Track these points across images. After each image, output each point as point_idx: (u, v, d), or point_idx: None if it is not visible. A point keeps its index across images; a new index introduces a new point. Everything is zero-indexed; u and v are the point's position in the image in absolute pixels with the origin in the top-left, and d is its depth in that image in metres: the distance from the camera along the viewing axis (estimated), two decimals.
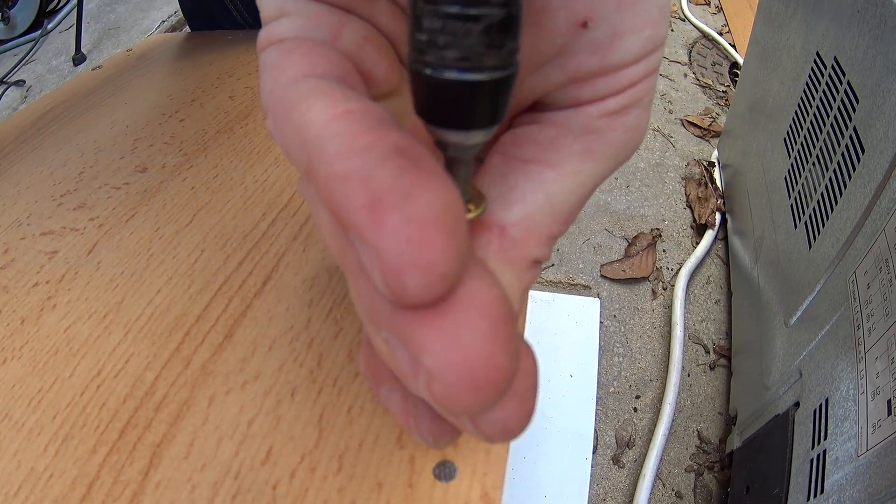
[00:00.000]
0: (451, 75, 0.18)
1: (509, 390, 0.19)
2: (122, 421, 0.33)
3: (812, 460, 0.64)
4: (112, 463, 0.31)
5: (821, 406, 0.64)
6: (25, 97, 1.71)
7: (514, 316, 0.19)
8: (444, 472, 0.29)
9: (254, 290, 0.40)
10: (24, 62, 1.84)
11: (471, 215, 0.23)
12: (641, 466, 0.87)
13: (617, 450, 0.91)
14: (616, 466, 0.89)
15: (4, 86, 1.72)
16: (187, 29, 0.85)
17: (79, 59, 1.83)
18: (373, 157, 0.17)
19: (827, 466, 0.60)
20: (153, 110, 0.60)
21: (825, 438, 0.62)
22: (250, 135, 0.56)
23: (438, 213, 0.16)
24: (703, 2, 2.09)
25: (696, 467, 0.89)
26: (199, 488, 0.29)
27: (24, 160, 0.55)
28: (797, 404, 0.70)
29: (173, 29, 2.00)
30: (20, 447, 0.32)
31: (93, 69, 0.72)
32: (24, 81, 1.76)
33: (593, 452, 0.89)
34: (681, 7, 2.04)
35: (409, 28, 0.18)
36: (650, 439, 0.91)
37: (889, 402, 0.53)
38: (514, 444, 0.85)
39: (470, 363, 0.16)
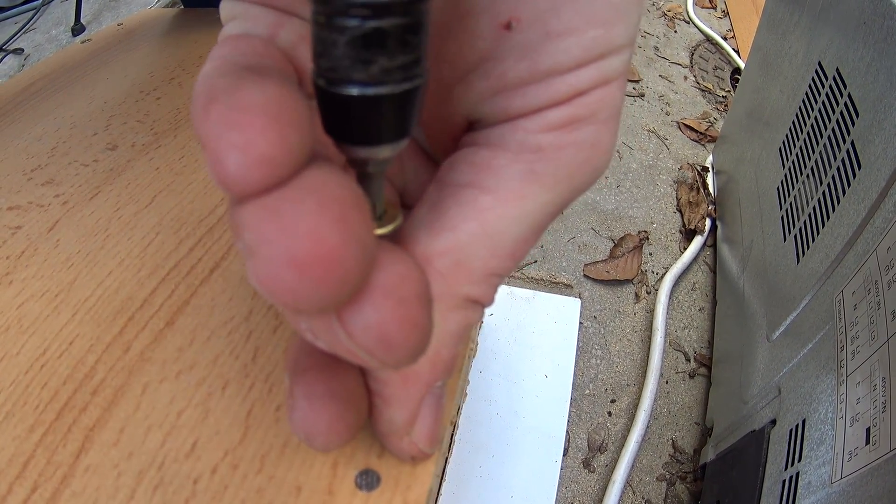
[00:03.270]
0: (350, 90, 0.18)
1: (377, 288, 0.18)
2: (60, 402, 0.32)
3: (784, 481, 0.63)
4: (47, 443, 0.31)
5: (797, 426, 0.63)
6: (23, 65, 1.70)
7: (361, 209, 0.17)
8: (367, 480, 0.28)
9: (201, 276, 0.39)
10: (24, 30, 1.83)
11: (380, 231, 0.22)
12: (612, 472, 0.87)
13: (588, 453, 0.90)
14: (586, 470, 0.88)
15: (3, 53, 1.72)
16: (181, 5, 0.84)
17: (78, 29, 1.83)
18: (225, 76, 0.17)
19: (799, 490, 0.59)
20: (132, 87, 0.60)
21: (799, 461, 0.61)
22: None
23: (261, 100, 0.16)
24: (709, 5, 2.07)
25: (668, 476, 0.89)
26: (124, 476, 0.29)
27: (2, 133, 0.54)
28: (774, 422, 0.69)
29: (173, 4, 2.00)
30: None
31: (82, 42, 0.72)
32: (22, 50, 1.75)
33: (564, 455, 0.88)
34: (686, 9, 2.02)
35: (311, 42, 0.18)
36: (623, 445, 0.90)
37: (868, 430, 0.51)
38: (483, 442, 0.85)
39: (294, 242, 0.16)
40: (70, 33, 1.83)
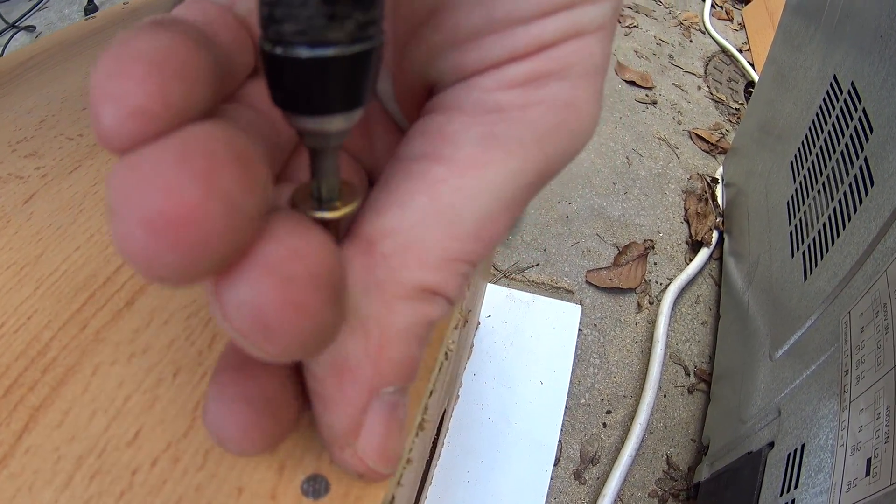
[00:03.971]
0: (296, 52, 0.16)
1: (258, 262, 0.16)
2: (10, 379, 0.31)
3: None
4: None
5: (796, 451, 0.61)
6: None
7: (242, 167, 0.15)
8: (314, 487, 0.27)
9: None
10: (37, 8, 1.83)
11: (335, 214, 0.21)
12: (603, 485, 0.85)
13: (580, 464, 0.88)
14: (577, 482, 0.86)
15: (15, 30, 1.72)
16: None
17: (90, 9, 1.82)
18: (133, 29, 0.16)
19: None
20: None
21: (795, 487, 0.59)
22: None
23: (147, 49, 0.15)
24: (726, 17, 2.07)
25: (660, 493, 0.87)
26: (63, 460, 0.28)
27: None
28: (772, 444, 0.67)
29: None
30: None
31: (86, 19, 0.71)
32: (34, 27, 1.75)
33: (555, 465, 0.87)
34: (702, 19, 2.02)
35: (257, 3, 0.17)
36: (616, 458, 0.88)
37: (869, 460, 0.50)
38: (473, 447, 0.84)
39: (148, 198, 0.14)
40: (83, 13, 1.83)
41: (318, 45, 0.16)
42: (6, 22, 1.73)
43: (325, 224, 0.22)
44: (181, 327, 0.33)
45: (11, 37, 1.69)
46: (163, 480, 0.27)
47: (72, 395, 0.30)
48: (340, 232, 0.23)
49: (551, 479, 0.85)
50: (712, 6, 2.13)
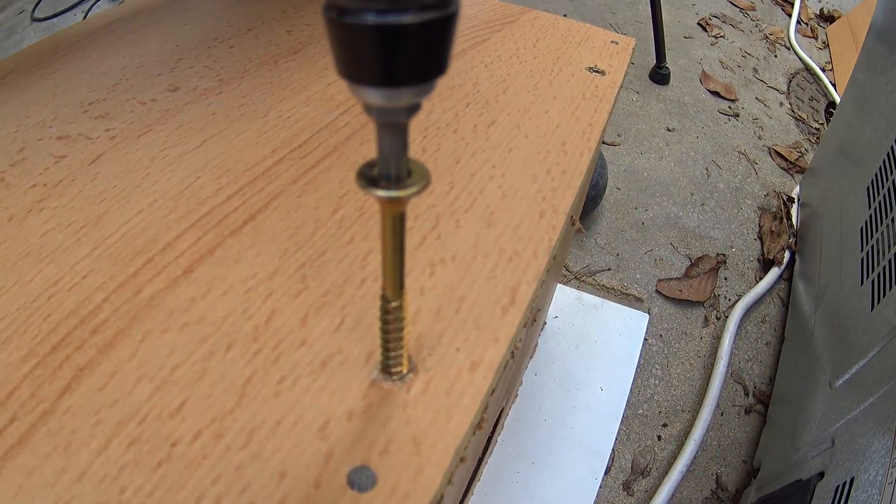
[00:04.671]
0: (363, 18, 0.16)
1: None
2: (58, 336, 0.30)
3: None
4: (36, 376, 0.29)
5: (845, 484, 0.58)
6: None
7: None
8: (360, 479, 0.25)
9: (232, 227, 0.37)
10: None
11: (404, 192, 0.20)
12: (651, 499, 0.82)
13: (630, 476, 0.86)
14: (625, 493, 0.84)
15: None
16: None
17: None
18: None
19: None
20: (207, 34, 0.58)
21: None
22: (292, 70, 0.53)
23: None
24: (811, 34, 2.01)
25: None
26: (102, 424, 0.27)
27: (71, 66, 0.53)
28: (822, 474, 0.64)
29: None
30: None
31: None
32: None
33: (605, 473, 0.84)
34: (788, 35, 1.97)
35: None
36: (666, 473, 0.85)
37: None
38: (526, 448, 0.82)
39: None
40: None
41: (388, 11, 0.15)
42: None
43: (393, 202, 0.21)
44: (239, 300, 0.32)
45: (94, 3, 1.72)
46: (203, 456, 0.25)
47: (118, 359, 0.29)
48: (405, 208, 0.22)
49: (600, 487, 0.82)
50: (798, 22, 2.07)
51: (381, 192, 0.20)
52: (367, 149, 0.44)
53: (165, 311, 0.31)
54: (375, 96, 0.17)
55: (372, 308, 0.32)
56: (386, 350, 0.28)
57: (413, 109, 0.18)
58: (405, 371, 0.29)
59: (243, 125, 0.46)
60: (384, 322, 0.26)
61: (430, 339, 0.31)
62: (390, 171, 0.20)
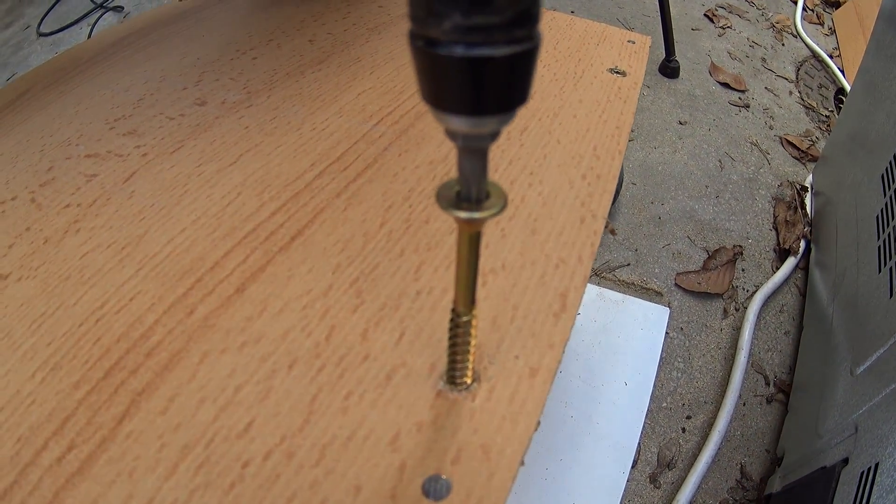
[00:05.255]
0: (452, 50, 0.16)
1: None
2: (111, 360, 0.30)
3: None
4: (91, 402, 0.28)
5: (869, 469, 0.58)
6: (122, 22, 1.74)
7: None
8: (436, 488, 0.25)
9: (280, 243, 0.36)
10: None
11: (484, 214, 0.21)
12: (677, 491, 0.82)
13: (657, 468, 0.86)
14: (652, 486, 0.84)
15: (103, 10, 1.74)
16: None
17: None
18: None
19: None
20: (228, 45, 0.58)
21: None
22: (320, 80, 0.52)
23: None
24: (817, 21, 2.00)
25: (731, 502, 0.84)
26: (167, 448, 0.27)
27: (91, 81, 0.53)
28: (846, 461, 0.64)
29: None
30: (12, 367, 0.30)
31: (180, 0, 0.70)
32: (122, 7, 1.78)
33: (632, 467, 0.84)
34: (794, 22, 1.96)
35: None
36: (692, 464, 0.85)
37: None
38: (553, 445, 0.82)
39: None
40: None
41: (478, 45, 0.16)
42: (94, 2, 1.76)
43: (471, 223, 0.22)
44: (297, 317, 0.32)
45: (100, 17, 1.71)
46: (276, 475, 0.25)
47: (177, 382, 0.29)
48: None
49: (627, 481, 0.82)
50: (804, 9, 2.07)
51: (463, 214, 0.21)
52: (406, 159, 0.44)
53: (222, 332, 0.31)
54: (461, 124, 0.18)
55: (430, 320, 0.32)
56: (453, 362, 0.28)
57: (495, 136, 0.19)
58: (470, 381, 0.29)
59: (278, 138, 0.45)
60: (453, 335, 0.26)
61: (490, 347, 0.31)
62: (471, 194, 0.21)
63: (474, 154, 0.19)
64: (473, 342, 0.27)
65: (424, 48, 0.16)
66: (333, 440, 0.26)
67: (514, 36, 0.16)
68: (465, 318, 0.26)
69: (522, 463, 0.29)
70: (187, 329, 0.31)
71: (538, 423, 0.29)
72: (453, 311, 0.26)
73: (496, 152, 0.45)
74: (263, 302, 0.33)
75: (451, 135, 0.19)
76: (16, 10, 1.75)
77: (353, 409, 0.28)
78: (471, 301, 0.25)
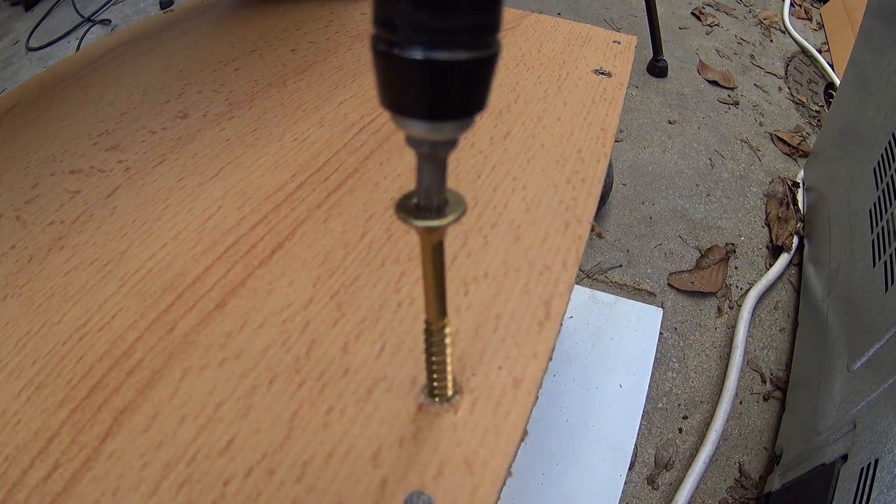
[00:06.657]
0: (412, 53, 0.16)
1: None
2: (93, 379, 0.30)
3: None
4: (75, 421, 0.28)
5: (869, 465, 0.58)
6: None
7: None
8: None
9: (261, 257, 0.36)
10: (112, 2, 1.86)
11: (443, 221, 0.21)
12: (676, 492, 0.82)
13: (654, 470, 0.85)
14: (650, 487, 0.83)
15: (90, 23, 1.74)
16: None
17: (166, 3, 1.84)
18: None
19: None
20: (211, 57, 0.58)
21: (867, 503, 0.56)
22: (301, 90, 0.52)
23: None
24: (805, 16, 2.01)
25: (730, 502, 0.84)
26: (149, 467, 0.26)
27: (75, 96, 0.53)
28: (845, 457, 0.64)
29: None
30: None
31: (164, 11, 0.70)
32: (109, 21, 1.78)
33: (629, 469, 0.84)
34: (782, 17, 1.97)
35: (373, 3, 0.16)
36: (690, 464, 0.85)
37: None
38: (549, 449, 0.81)
39: None
40: (158, 6, 1.85)
41: (439, 48, 0.16)
42: (82, 16, 1.76)
43: (431, 231, 0.22)
44: (277, 332, 0.32)
45: (87, 30, 1.72)
46: (257, 493, 0.25)
47: (159, 400, 0.29)
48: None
49: (624, 483, 0.82)
50: (791, 5, 2.08)
51: (421, 223, 0.21)
52: (388, 168, 0.44)
53: (202, 348, 0.31)
54: (420, 129, 0.18)
55: (411, 332, 0.32)
56: (431, 374, 0.27)
57: (452, 144, 0.19)
58: (451, 393, 0.28)
59: (259, 150, 0.45)
60: (428, 346, 0.26)
61: (472, 358, 0.31)
62: (431, 203, 0.21)
63: (434, 162, 0.19)
64: (450, 352, 0.27)
65: (385, 51, 0.16)
66: (314, 456, 0.26)
67: (474, 41, 0.16)
68: (437, 328, 0.26)
69: (510, 474, 0.29)
70: (168, 346, 0.31)
71: (525, 433, 0.29)
72: (426, 321, 0.26)
73: (479, 158, 0.45)
74: (244, 317, 0.33)
75: (412, 142, 0.19)
76: (4, 25, 1.75)
77: (333, 425, 0.28)
78: (441, 311, 0.25)
